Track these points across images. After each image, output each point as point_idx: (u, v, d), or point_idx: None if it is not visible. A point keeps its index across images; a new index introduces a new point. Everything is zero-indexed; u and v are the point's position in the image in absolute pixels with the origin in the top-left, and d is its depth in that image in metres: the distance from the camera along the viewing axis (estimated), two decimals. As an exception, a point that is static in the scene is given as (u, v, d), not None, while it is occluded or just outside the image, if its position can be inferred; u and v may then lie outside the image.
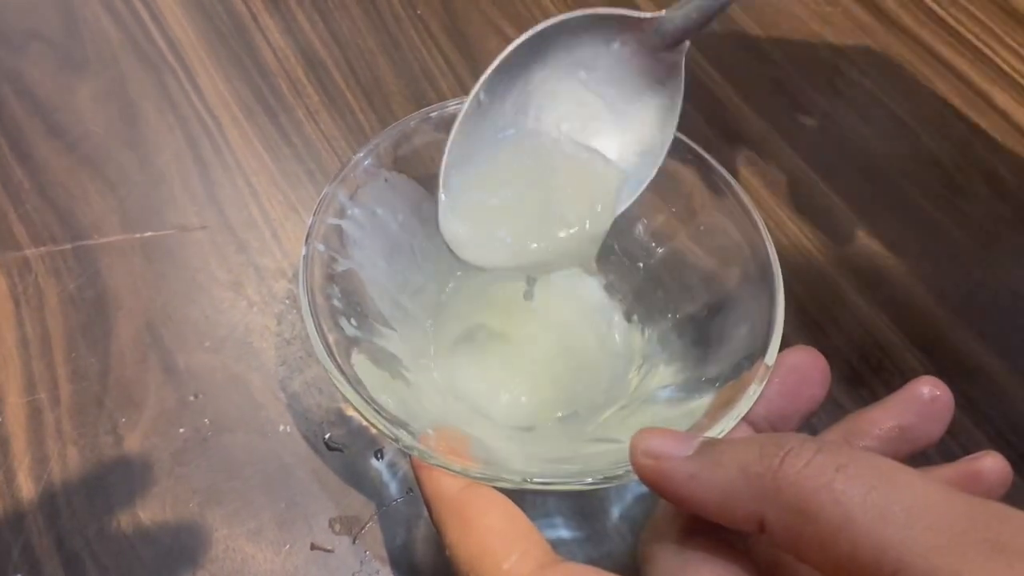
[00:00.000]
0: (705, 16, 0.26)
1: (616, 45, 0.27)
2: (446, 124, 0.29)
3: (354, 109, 0.41)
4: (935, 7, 0.47)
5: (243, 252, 0.36)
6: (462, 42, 0.43)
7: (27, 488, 0.30)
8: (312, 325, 0.25)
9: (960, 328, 0.35)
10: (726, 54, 0.44)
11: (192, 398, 0.32)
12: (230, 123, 0.40)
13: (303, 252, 0.27)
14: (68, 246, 0.35)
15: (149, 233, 0.36)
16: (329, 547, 0.29)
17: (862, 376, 0.34)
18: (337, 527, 0.30)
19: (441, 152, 0.27)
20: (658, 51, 0.27)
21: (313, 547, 0.29)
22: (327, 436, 0.31)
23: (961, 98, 0.43)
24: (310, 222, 0.27)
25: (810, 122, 0.42)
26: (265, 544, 0.29)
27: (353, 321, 0.27)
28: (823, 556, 0.17)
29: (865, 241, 0.38)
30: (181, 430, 0.31)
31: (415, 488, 0.30)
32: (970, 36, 0.45)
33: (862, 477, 0.17)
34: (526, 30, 0.28)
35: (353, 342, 0.26)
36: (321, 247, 0.27)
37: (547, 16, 0.45)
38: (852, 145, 0.41)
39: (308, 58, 0.42)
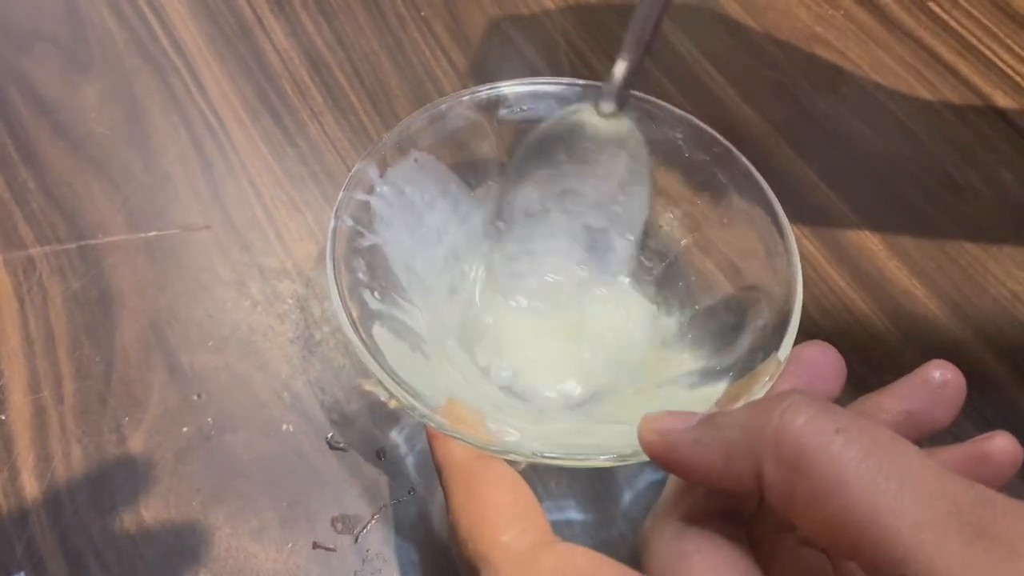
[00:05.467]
0: (626, 74, 0.29)
1: (582, 132, 0.31)
2: (478, 108, 0.31)
3: (358, 111, 0.41)
4: (937, 10, 0.47)
5: (247, 252, 0.36)
6: (465, 44, 0.44)
7: (31, 486, 0.30)
8: (336, 295, 0.26)
9: (960, 330, 0.36)
10: (729, 56, 0.44)
11: (195, 397, 0.32)
12: (235, 124, 0.40)
13: (331, 225, 0.27)
14: (73, 245, 0.36)
15: (153, 233, 0.36)
16: (331, 546, 0.29)
17: (863, 377, 0.34)
18: (339, 526, 0.30)
19: (474, 138, 0.31)
20: (610, 121, 0.31)
21: (315, 546, 0.29)
22: (330, 435, 0.32)
23: (962, 100, 0.43)
24: (339, 196, 0.28)
25: (812, 124, 0.42)
26: (267, 543, 0.29)
27: (376, 294, 0.28)
28: (813, 515, 0.18)
29: (866, 243, 0.38)
30: (184, 429, 0.31)
31: (417, 488, 0.31)
32: (972, 39, 0.45)
33: (860, 442, 0.17)
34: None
35: (375, 315, 0.27)
36: (349, 221, 0.28)
37: (550, 17, 0.45)
38: (853, 147, 0.41)
39: (312, 60, 0.42)
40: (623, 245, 0.32)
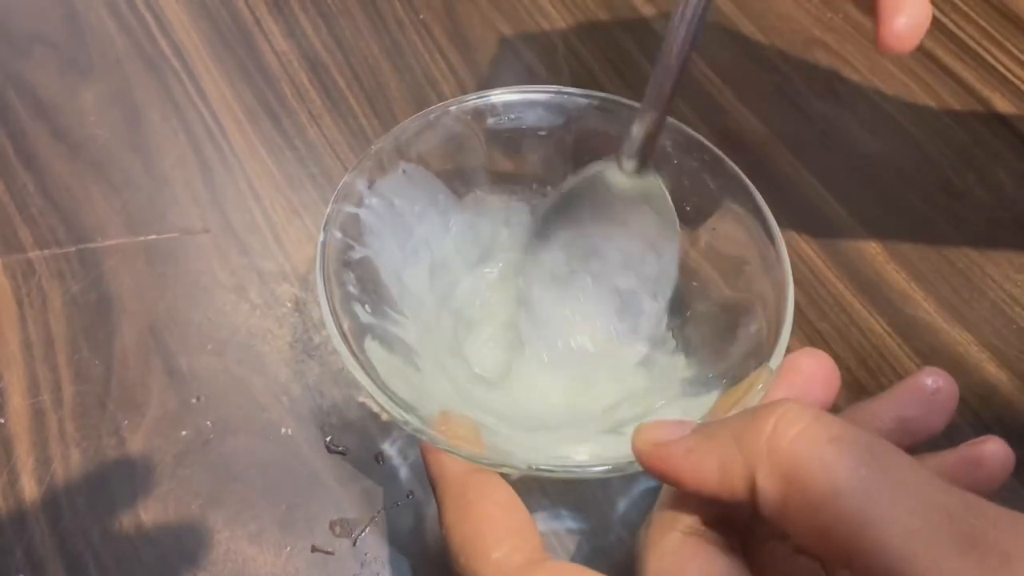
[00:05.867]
0: (648, 131, 0.28)
1: (606, 191, 0.30)
2: (466, 117, 0.31)
3: (357, 113, 0.41)
4: (936, 13, 0.47)
5: (245, 255, 0.36)
6: (464, 46, 0.44)
7: (30, 489, 0.30)
8: (327, 310, 0.26)
9: (958, 333, 0.36)
10: (728, 59, 0.44)
11: (194, 400, 0.32)
12: (233, 127, 0.40)
13: (320, 238, 0.27)
14: (72, 249, 0.36)
15: (152, 236, 0.36)
16: (330, 549, 0.29)
17: (859, 381, 0.34)
18: (338, 529, 0.30)
19: (463, 147, 0.31)
20: (634, 179, 0.30)
21: (314, 549, 0.29)
22: (328, 439, 0.32)
23: (961, 103, 0.43)
24: (328, 210, 0.28)
25: (810, 127, 0.42)
26: (266, 546, 0.29)
27: (367, 307, 0.28)
28: (807, 525, 0.18)
29: (864, 246, 0.38)
30: (183, 432, 0.31)
31: (415, 491, 0.31)
32: (970, 41, 0.45)
33: (853, 452, 0.18)
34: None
35: (367, 328, 0.27)
36: (338, 235, 0.28)
37: (549, 21, 0.45)
38: (852, 150, 0.41)
39: (311, 62, 0.42)
40: (652, 307, 0.31)
